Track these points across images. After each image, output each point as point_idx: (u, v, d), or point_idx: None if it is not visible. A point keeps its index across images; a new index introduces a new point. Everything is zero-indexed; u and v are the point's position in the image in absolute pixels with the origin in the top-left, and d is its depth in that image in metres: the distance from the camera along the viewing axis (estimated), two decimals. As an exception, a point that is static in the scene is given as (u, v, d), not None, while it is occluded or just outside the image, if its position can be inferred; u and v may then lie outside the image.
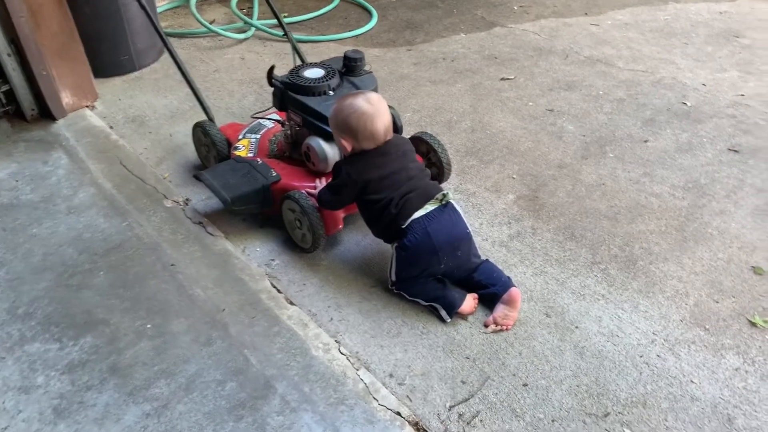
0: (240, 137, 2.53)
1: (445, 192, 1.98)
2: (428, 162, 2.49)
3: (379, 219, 2.01)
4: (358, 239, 2.34)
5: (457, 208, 2.01)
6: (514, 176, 2.67)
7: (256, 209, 2.30)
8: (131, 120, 3.08)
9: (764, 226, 2.39)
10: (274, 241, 2.33)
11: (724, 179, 2.66)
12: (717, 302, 2.08)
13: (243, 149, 2.46)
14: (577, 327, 1.99)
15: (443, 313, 1.99)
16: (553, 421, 1.71)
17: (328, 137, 2.22)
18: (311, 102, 2.23)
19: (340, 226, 2.27)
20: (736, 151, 2.84)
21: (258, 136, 2.52)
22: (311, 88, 2.25)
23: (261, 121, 2.61)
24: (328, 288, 2.13)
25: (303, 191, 2.19)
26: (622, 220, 2.43)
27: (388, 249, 2.24)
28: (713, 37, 3.99)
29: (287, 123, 2.39)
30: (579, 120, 3.08)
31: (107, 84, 3.38)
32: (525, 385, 1.81)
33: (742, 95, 3.29)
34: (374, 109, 1.95)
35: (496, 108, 3.19)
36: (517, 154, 2.82)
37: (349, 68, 2.35)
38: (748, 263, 2.23)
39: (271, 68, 2.28)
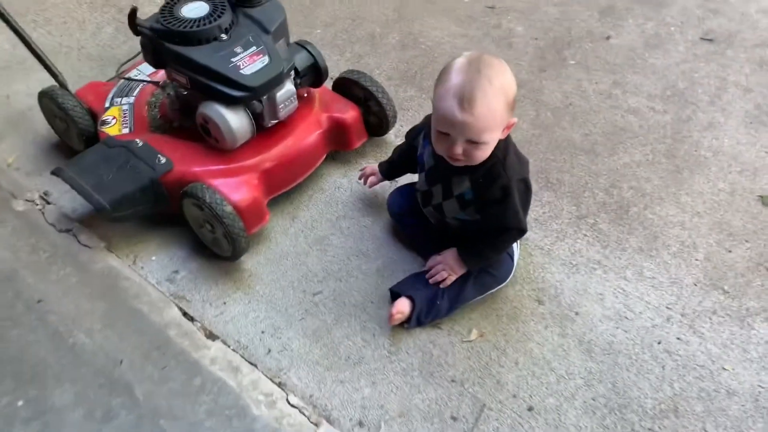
0: (107, 105, 1.86)
1: None
2: (366, 111, 1.92)
3: None
4: (286, 226, 1.81)
5: None
6: (465, 106, 2.16)
7: (146, 211, 1.71)
8: (-52, 78, 2.29)
9: (760, 138, 2.04)
10: (174, 243, 1.76)
11: (704, 80, 2.25)
12: (730, 251, 1.74)
13: (114, 123, 1.81)
14: (577, 313, 1.60)
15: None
16: (573, 456, 1.36)
17: (229, 101, 1.61)
18: (198, 54, 1.59)
19: (266, 220, 1.73)
20: (710, 39, 2.42)
21: (131, 101, 1.86)
22: (195, 34, 1.60)
23: (132, 74, 1.94)
24: (257, 303, 1.63)
25: (210, 185, 1.61)
26: (601, 152, 2.00)
27: (329, 237, 1.74)
28: None
29: (169, 84, 1.74)
30: (526, 18, 2.54)
31: None
32: (530, 408, 1.43)
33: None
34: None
35: (425, 11, 2.59)
36: (461, 73, 2.29)
37: (238, -5, 1.70)
38: (753, 192, 1.88)
39: (133, 10, 1.60)
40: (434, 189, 1.54)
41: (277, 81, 1.65)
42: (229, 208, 1.57)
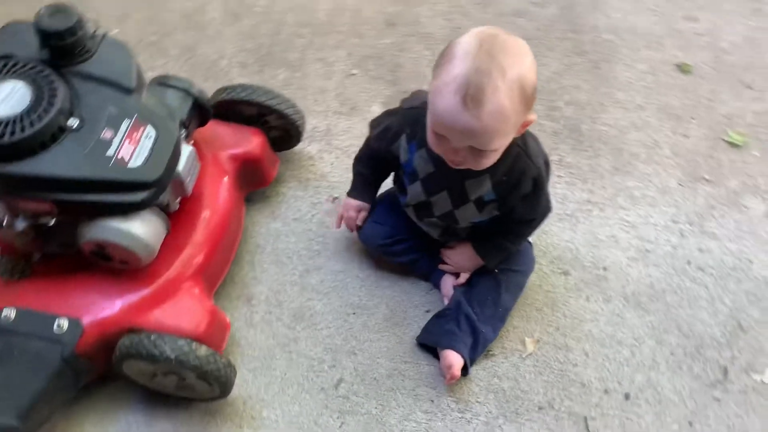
0: None
1: None
2: (265, 128, 1.48)
3: None
4: (247, 315, 1.38)
5: None
6: (355, 70, 1.78)
7: (70, 396, 1.18)
8: None
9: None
10: (120, 405, 1.26)
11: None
12: (686, 136, 1.69)
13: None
14: (605, 268, 1.47)
15: None
16: (691, 423, 1.28)
17: (130, 210, 1.10)
18: (52, 166, 1.04)
19: (229, 325, 1.29)
20: None
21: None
22: (30, 141, 1.02)
23: None
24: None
25: (152, 326, 1.13)
26: (519, 73, 1.79)
27: (308, 305, 1.38)
28: None
29: (6, 218, 1.14)
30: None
31: None
32: (627, 396, 1.31)
33: None
34: None
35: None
36: (326, 28, 1.86)
37: (62, 50, 1.11)
38: (669, 63, 1.83)
39: None
40: (436, 198, 1.22)
41: (177, 154, 1.15)
42: (203, 350, 1.12)
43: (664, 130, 1.69)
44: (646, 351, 1.36)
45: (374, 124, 1.29)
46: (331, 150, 1.61)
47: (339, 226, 1.39)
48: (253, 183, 1.47)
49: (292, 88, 1.72)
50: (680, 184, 1.60)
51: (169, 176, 1.13)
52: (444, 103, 0.97)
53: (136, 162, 1.08)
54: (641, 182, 1.60)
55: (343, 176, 1.57)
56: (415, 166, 1.20)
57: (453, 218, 1.25)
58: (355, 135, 1.64)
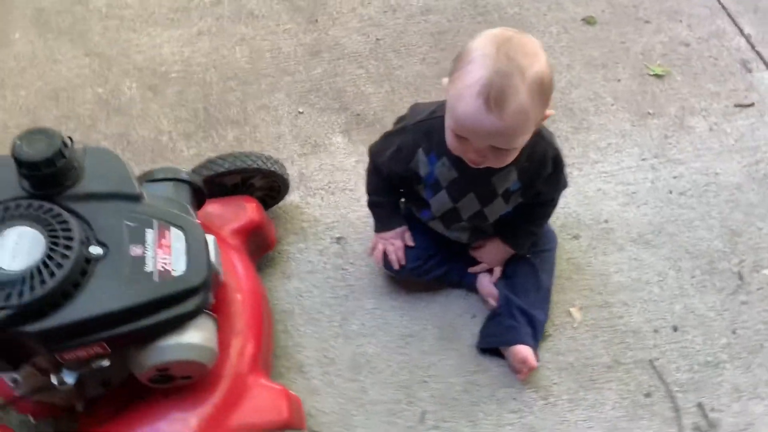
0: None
1: None
2: (249, 190, 1.41)
3: None
4: (304, 383, 1.31)
5: None
6: (300, 108, 1.73)
7: None
8: None
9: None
10: None
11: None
12: (618, 80, 1.82)
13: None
14: (606, 221, 1.55)
15: None
16: (734, 331, 1.39)
17: (187, 319, 1.01)
18: (96, 303, 0.93)
19: (301, 403, 1.22)
20: None
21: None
22: (66, 282, 0.91)
23: None
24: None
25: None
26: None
27: (360, 351, 1.36)
28: None
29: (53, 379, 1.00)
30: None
31: None
32: (675, 328, 1.40)
33: None
34: None
35: (119, 36, 1.90)
36: (253, 76, 1.79)
37: (52, 178, 0.99)
38: (577, 21, 1.95)
39: None
40: (463, 202, 1.24)
41: (208, 247, 1.08)
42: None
43: (598, 81, 1.81)
44: (671, 282, 1.46)
45: (378, 149, 1.26)
46: (313, 193, 1.57)
47: (382, 261, 1.36)
48: (261, 249, 1.41)
49: (247, 143, 1.65)
50: (633, 125, 1.72)
51: (211, 273, 1.05)
52: (467, 106, 0.99)
53: (179, 269, 1.00)
54: (601, 133, 1.70)
55: (336, 213, 1.54)
56: (437, 176, 1.20)
57: (483, 217, 1.26)
58: (328, 170, 1.61)
